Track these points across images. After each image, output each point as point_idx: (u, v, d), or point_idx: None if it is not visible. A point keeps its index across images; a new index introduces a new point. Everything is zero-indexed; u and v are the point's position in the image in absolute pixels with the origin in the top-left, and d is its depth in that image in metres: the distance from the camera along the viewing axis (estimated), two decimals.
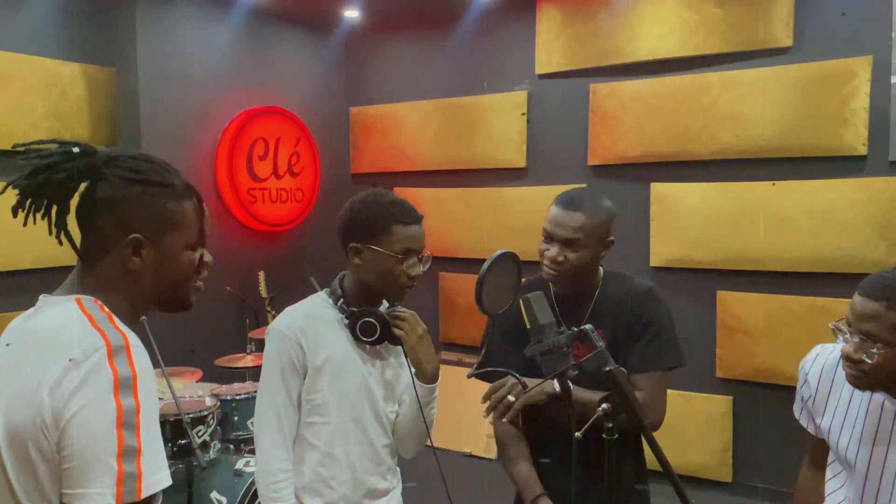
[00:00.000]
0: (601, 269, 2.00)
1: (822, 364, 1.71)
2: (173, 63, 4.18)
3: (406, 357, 1.84)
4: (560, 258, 1.85)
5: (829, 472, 1.77)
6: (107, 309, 1.18)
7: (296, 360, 1.77)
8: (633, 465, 1.97)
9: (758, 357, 3.86)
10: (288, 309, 1.87)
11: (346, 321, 1.80)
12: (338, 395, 1.79)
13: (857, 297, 1.49)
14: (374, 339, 1.79)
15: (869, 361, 1.46)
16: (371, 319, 1.78)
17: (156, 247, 1.23)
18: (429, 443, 1.93)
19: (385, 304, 1.89)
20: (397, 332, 1.80)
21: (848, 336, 1.50)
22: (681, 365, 1.91)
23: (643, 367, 1.88)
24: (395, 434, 1.94)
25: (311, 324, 1.80)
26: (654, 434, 1.44)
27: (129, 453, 1.05)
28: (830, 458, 1.73)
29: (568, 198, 1.90)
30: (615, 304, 1.93)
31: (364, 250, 1.78)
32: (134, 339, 1.15)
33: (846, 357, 1.51)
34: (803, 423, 1.80)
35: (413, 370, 1.85)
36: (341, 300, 1.82)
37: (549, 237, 1.88)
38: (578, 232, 1.84)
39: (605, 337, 1.88)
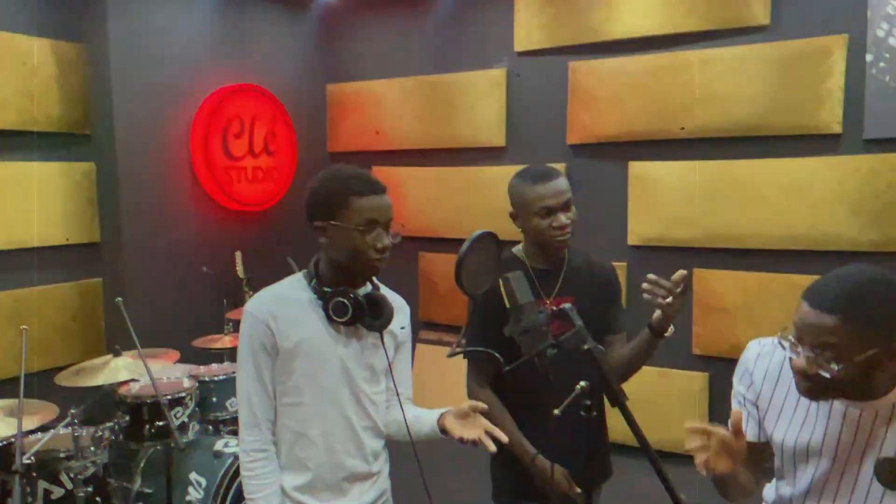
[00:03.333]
0: None
1: (766, 365, 1.62)
2: (145, 39, 4.10)
3: (382, 341, 1.83)
4: (569, 220, 2.05)
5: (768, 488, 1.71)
6: None
7: (266, 341, 1.75)
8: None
9: (734, 334, 3.91)
10: (262, 290, 1.85)
11: (320, 301, 1.78)
12: (312, 377, 1.77)
13: (807, 310, 1.37)
14: (346, 319, 1.75)
15: (827, 376, 1.35)
16: (342, 300, 1.75)
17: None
18: (382, 427, 1.95)
19: (369, 286, 1.85)
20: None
21: (800, 350, 1.39)
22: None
23: (620, 327, 2.20)
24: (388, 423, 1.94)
25: (282, 306, 1.78)
26: (631, 409, 1.45)
27: None
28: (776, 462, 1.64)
29: (544, 171, 2.11)
30: (583, 275, 2.17)
31: (328, 227, 1.75)
32: None
33: (800, 372, 1.40)
34: (746, 425, 1.61)
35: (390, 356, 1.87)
36: (314, 281, 1.80)
37: (553, 209, 2.04)
38: (569, 193, 2.07)
39: (575, 303, 1.91)
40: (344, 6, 5.07)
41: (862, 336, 1.33)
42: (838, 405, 1.49)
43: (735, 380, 1.68)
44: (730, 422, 1.46)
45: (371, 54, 5.13)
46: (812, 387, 1.41)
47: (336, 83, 5.29)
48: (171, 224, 4.31)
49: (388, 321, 1.81)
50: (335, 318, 1.76)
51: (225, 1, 4.53)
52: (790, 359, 1.43)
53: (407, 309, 1.98)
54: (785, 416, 1.57)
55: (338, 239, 1.74)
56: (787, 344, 1.43)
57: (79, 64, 3.97)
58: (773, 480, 1.68)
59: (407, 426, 1.85)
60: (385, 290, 1.91)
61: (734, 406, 1.67)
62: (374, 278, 1.87)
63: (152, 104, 4.17)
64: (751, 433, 1.63)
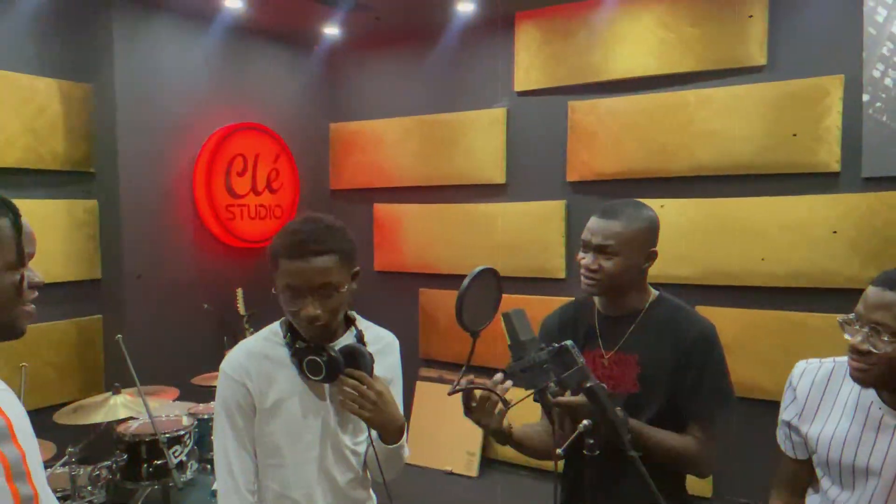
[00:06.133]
0: (654, 291, 1.94)
1: (811, 378, 1.70)
2: (151, 79, 4.16)
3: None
4: (594, 266, 1.82)
5: (811, 499, 1.75)
6: None
7: (242, 401, 1.67)
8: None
9: (734, 371, 3.86)
10: (237, 346, 1.77)
11: (294, 359, 1.67)
12: (292, 437, 1.69)
13: (870, 289, 1.50)
14: (321, 377, 1.64)
15: (876, 352, 1.45)
16: (315, 358, 1.63)
17: None
18: (369, 474, 1.83)
19: (352, 333, 1.75)
20: (347, 404, 1.64)
21: (857, 328, 1.50)
22: (733, 412, 1.85)
23: (701, 413, 1.80)
24: (367, 464, 1.82)
25: (257, 363, 1.69)
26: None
27: (26, 502, 1.01)
28: (819, 473, 1.70)
29: (607, 207, 1.87)
30: (662, 330, 1.84)
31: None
32: (1, 384, 1.09)
33: (852, 349, 1.50)
34: (784, 446, 1.78)
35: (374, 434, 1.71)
36: (290, 333, 1.70)
37: (585, 245, 1.85)
38: (610, 238, 1.81)
39: (637, 363, 1.84)
40: (347, 47, 5.15)
41: None
42: (889, 420, 1.56)
43: (781, 408, 1.74)
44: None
45: (374, 94, 5.20)
46: (863, 367, 1.48)
47: (339, 122, 5.35)
48: (172, 261, 4.32)
49: (369, 373, 1.66)
50: (310, 377, 1.65)
51: (230, 41, 4.60)
52: (846, 339, 1.51)
53: (395, 345, 1.88)
54: (829, 421, 1.63)
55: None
56: (848, 323, 1.51)
57: (84, 103, 4.02)
58: (818, 493, 1.71)
59: (377, 458, 1.72)
60: (372, 327, 1.83)
61: (779, 434, 1.74)
62: (358, 319, 1.79)
63: (157, 142, 4.21)
64: (800, 454, 1.73)
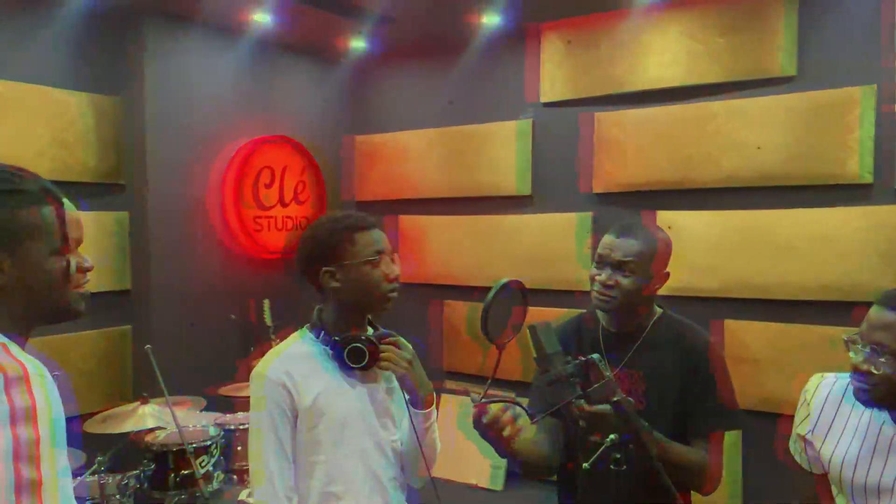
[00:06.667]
0: (658, 308, 1.95)
1: (826, 392, 1.69)
2: (180, 92, 4.22)
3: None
4: (611, 282, 1.83)
5: None
6: None
7: (283, 404, 1.71)
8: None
9: (764, 386, 3.82)
10: (269, 352, 1.82)
11: (332, 351, 1.75)
12: (335, 431, 1.73)
13: (873, 308, 1.49)
14: (363, 364, 1.73)
15: (876, 372, 1.44)
16: (359, 345, 1.72)
17: (15, 258, 1.16)
18: (425, 473, 1.85)
19: (370, 331, 1.83)
20: (383, 363, 1.74)
21: (860, 347, 1.49)
22: (739, 427, 1.88)
23: (703, 427, 1.80)
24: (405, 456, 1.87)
25: (294, 363, 1.75)
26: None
27: (26, 486, 1.00)
28: (835, 490, 1.70)
29: (624, 225, 1.91)
30: (666, 346, 1.85)
31: (337, 270, 1.74)
32: (36, 369, 1.10)
33: (854, 368, 1.50)
34: (799, 459, 1.76)
35: (407, 397, 1.79)
36: (322, 332, 1.77)
37: (601, 261, 1.86)
38: (631, 255, 1.83)
39: (643, 379, 1.84)
40: (373, 60, 5.19)
41: None
42: (879, 419, 1.56)
43: (794, 421, 1.74)
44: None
45: (399, 106, 5.22)
46: (865, 387, 1.48)
47: (364, 134, 5.38)
48: (200, 272, 4.36)
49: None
50: (353, 365, 1.72)
51: (257, 55, 4.66)
52: (850, 357, 1.51)
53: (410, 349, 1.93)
54: (843, 437, 1.62)
55: (350, 278, 1.73)
56: (852, 342, 1.51)
57: (114, 116, 4.08)
58: None
59: (414, 429, 1.79)
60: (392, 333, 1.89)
61: (791, 448, 1.73)
62: (371, 320, 1.86)
63: (185, 154, 4.27)
64: (816, 469, 1.72)
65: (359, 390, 1.78)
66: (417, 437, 1.77)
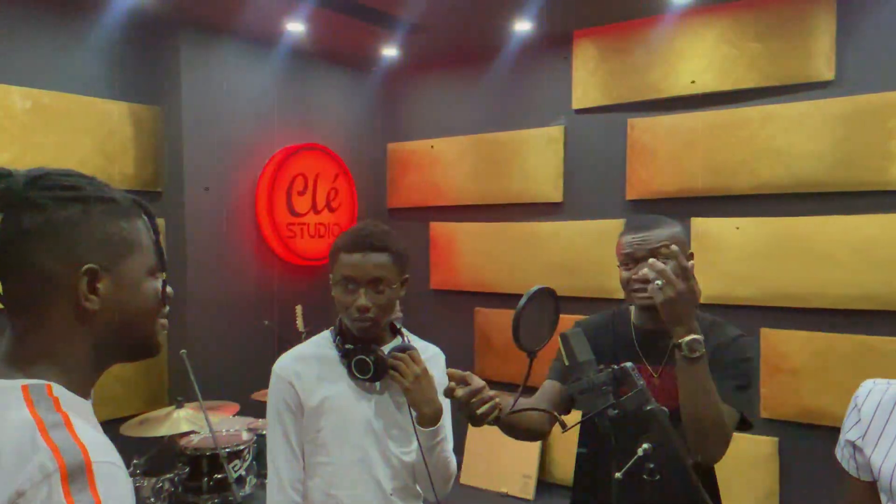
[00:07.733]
0: None
1: (878, 398, 1.65)
2: (217, 102, 4.29)
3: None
4: (651, 275, 1.70)
5: None
6: (56, 392, 0.93)
7: (290, 400, 1.76)
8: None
9: (804, 396, 3.75)
10: (288, 351, 1.86)
11: (343, 359, 1.78)
12: (339, 434, 1.75)
13: None
14: (368, 376, 1.74)
15: None
16: (363, 357, 1.73)
17: (113, 277, 0.98)
18: (419, 488, 1.84)
19: (399, 339, 1.84)
20: (392, 373, 1.73)
21: None
22: (750, 424, 1.82)
23: (723, 399, 1.72)
24: (417, 476, 1.85)
25: (306, 364, 1.79)
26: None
27: None
28: (884, 499, 1.66)
29: (640, 221, 1.84)
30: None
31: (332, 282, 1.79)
32: (100, 453, 0.88)
33: None
34: (847, 465, 1.73)
35: (414, 413, 1.76)
36: (339, 338, 1.80)
37: (630, 258, 1.78)
38: (663, 239, 1.75)
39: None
40: (405, 68, 5.22)
41: None
42: None
43: (843, 426, 1.68)
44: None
45: (431, 114, 5.24)
46: None
47: (396, 142, 5.41)
48: (234, 278, 4.42)
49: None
50: (358, 376, 1.75)
51: (292, 65, 4.72)
52: None
53: (441, 359, 1.92)
54: (895, 453, 1.57)
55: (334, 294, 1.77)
56: None
57: (153, 125, 4.17)
58: None
59: (419, 445, 1.75)
60: (418, 341, 1.89)
61: (838, 451, 1.68)
62: (403, 329, 1.86)
63: (221, 163, 4.33)
64: (864, 475, 1.65)
65: (369, 399, 1.79)
66: (423, 454, 1.76)
